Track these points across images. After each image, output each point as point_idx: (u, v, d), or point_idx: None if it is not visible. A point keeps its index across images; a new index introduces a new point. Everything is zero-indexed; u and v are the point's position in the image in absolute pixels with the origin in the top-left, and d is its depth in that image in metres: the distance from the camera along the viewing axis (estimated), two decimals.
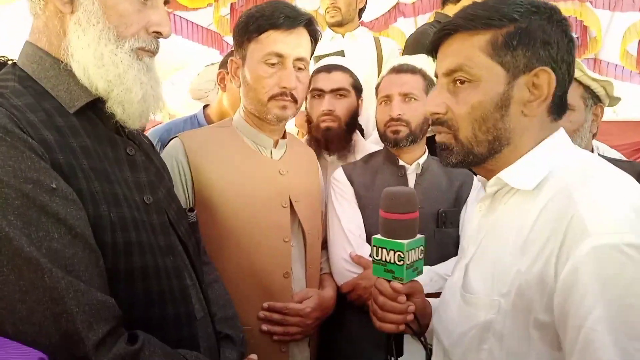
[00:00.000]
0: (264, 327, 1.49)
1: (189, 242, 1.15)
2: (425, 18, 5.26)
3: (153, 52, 1.03)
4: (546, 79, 0.93)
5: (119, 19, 0.97)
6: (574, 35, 0.98)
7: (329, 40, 2.77)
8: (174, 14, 4.80)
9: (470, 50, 0.96)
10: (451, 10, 2.67)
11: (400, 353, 1.17)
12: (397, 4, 5.11)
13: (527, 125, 0.97)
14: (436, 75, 1.06)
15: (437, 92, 1.03)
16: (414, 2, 5.13)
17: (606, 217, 0.81)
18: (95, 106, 0.99)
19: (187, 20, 4.99)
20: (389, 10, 5.19)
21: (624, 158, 2.50)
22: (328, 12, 2.69)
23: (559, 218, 0.85)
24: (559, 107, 0.99)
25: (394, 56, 2.73)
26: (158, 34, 1.02)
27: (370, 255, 1.65)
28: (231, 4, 4.95)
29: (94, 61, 0.94)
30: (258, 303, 1.49)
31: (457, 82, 0.98)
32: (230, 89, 2.21)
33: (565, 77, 0.96)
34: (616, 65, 5.22)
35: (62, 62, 0.96)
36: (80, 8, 0.94)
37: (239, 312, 1.37)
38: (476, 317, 0.96)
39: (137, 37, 0.99)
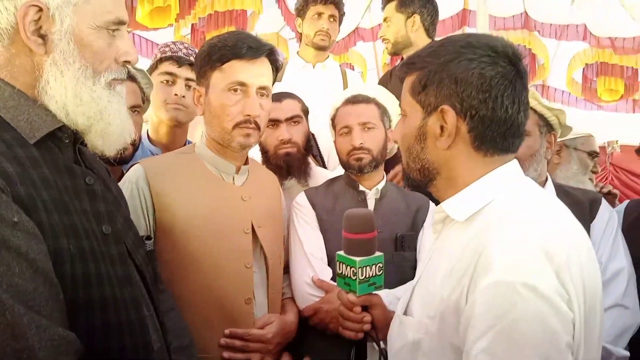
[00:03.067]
0: (225, 354, 1.48)
1: (146, 271, 1.15)
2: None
3: (123, 80, 1.06)
4: (449, 116, 1.00)
5: (94, 56, 0.99)
6: (499, 72, 0.98)
7: (300, 69, 2.83)
8: (134, 34, 4.76)
9: (404, 89, 1.09)
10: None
11: (362, 357, 1.31)
12: (357, 28, 5.25)
13: (448, 158, 1.04)
14: None
15: (398, 123, 1.16)
16: (372, 27, 5.28)
17: (510, 257, 0.86)
18: (54, 135, 0.99)
19: (147, 39, 4.96)
20: (348, 34, 5.32)
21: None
22: (318, 35, 2.74)
23: (476, 252, 0.91)
24: (485, 142, 1.01)
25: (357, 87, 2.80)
26: (127, 62, 1.05)
27: (332, 278, 1.70)
28: (192, 24, 4.95)
29: (74, 100, 0.96)
30: (219, 330, 1.49)
31: (401, 116, 1.12)
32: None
33: (484, 113, 0.98)
34: (563, 91, 5.50)
35: (24, 94, 0.95)
36: (56, 49, 0.95)
37: (200, 339, 1.37)
38: (407, 336, 1.04)
39: (109, 70, 1.01)
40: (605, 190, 2.94)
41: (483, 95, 0.98)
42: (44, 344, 0.79)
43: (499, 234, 0.91)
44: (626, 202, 1.97)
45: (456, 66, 0.99)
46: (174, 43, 2.30)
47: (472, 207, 1.00)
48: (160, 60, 2.23)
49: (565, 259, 0.87)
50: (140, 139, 2.14)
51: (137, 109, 2.01)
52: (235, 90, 1.51)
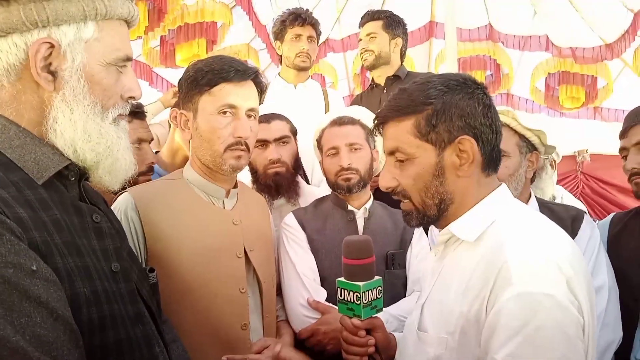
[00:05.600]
0: None
1: (152, 304, 1.13)
2: (354, 54, 5.48)
3: (126, 115, 1.06)
4: (468, 144, 1.09)
5: (103, 93, 0.98)
6: (487, 100, 1.13)
7: (282, 89, 2.85)
8: None
9: (401, 134, 1.12)
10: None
11: None
12: (327, 39, 5.29)
13: (465, 185, 1.12)
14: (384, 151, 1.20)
15: (387, 170, 1.18)
16: (342, 39, 5.34)
17: (530, 270, 0.95)
18: (60, 174, 0.97)
19: None
20: (319, 45, 5.34)
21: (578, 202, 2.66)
22: (299, 57, 2.78)
23: (493, 267, 0.98)
24: (491, 162, 1.13)
25: (339, 107, 2.85)
26: (131, 98, 1.05)
27: (328, 299, 1.71)
28: (161, 36, 4.88)
29: (83, 136, 0.95)
30: (217, 358, 1.46)
31: (398, 161, 1.14)
32: None
33: (489, 136, 1.11)
34: (527, 99, 5.68)
35: (29, 132, 0.93)
36: (66, 86, 0.93)
37: None
38: (427, 352, 1.09)
39: (116, 106, 1.01)
40: None
41: (488, 121, 1.10)
42: None
43: (514, 250, 0.99)
44: (612, 214, 2.04)
45: (461, 100, 1.09)
46: None
47: (479, 227, 1.09)
48: None
49: (571, 269, 0.97)
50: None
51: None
52: (225, 112, 1.51)
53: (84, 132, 0.96)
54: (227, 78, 1.49)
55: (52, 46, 0.92)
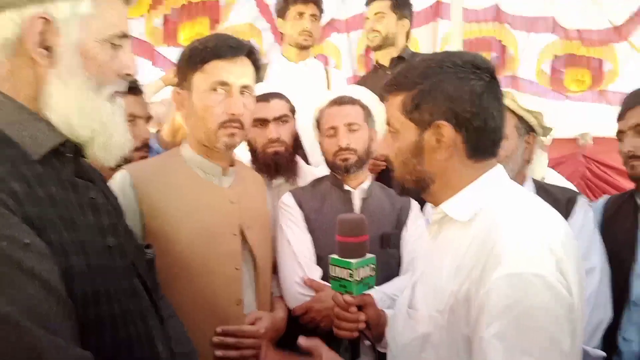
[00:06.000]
0: (219, 352, 1.50)
1: (148, 280, 1.15)
2: (358, 34, 5.42)
3: (123, 93, 1.06)
4: (446, 130, 1.08)
5: (98, 69, 0.98)
6: (481, 87, 1.07)
7: (284, 67, 2.84)
8: None
9: (392, 108, 1.15)
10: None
11: (356, 356, 1.37)
12: (331, 20, 5.23)
13: (446, 167, 1.12)
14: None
15: (386, 138, 1.21)
16: (346, 19, 5.27)
17: (519, 251, 0.95)
18: (57, 150, 0.98)
19: None
20: (323, 26, 5.29)
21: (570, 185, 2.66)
22: (301, 35, 2.76)
23: (484, 248, 0.99)
24: (478, 150, 1.11)
25: (340, 86, 2.84)
26: (128, 75, 1.05)
27: (322, 277, 1.74)
28: (164, 15, 4.85)
29: (78, 112, 0.96)
30: (210, 332, 1.50)
31: (391, 132, 1.17)
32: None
33: (476, 124, 1.08)
34: (532, 82, 5.61)
35: (27, 108, 0.94)
36: (61, 62, 0.94)
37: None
38: (417, 330, 1.10)
39: (112, 83, 1.01)
40: None
41: (476, 108, 1.07)
42: None
43: (505, 231, 0.99)
44: (606, 197, 2.05)
45: (448, 84, 1.07)
46: None
47: (472, 207, 1.09)
48: None
49: (562, 249, 0.97)
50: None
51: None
52: (218, 90, 1.51)
53: (78, 108, 0.96)
54: (219, 55, 1.50)
55: (48, 21, 0.92)
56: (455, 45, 3.21)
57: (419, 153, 1.12)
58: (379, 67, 2.96)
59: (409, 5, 2.94)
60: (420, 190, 1.17)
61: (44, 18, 0.92)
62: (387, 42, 2.87)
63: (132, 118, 1.99)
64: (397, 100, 1.14)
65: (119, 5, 1.03)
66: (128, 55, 1.05)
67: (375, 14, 2.86)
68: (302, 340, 1.14)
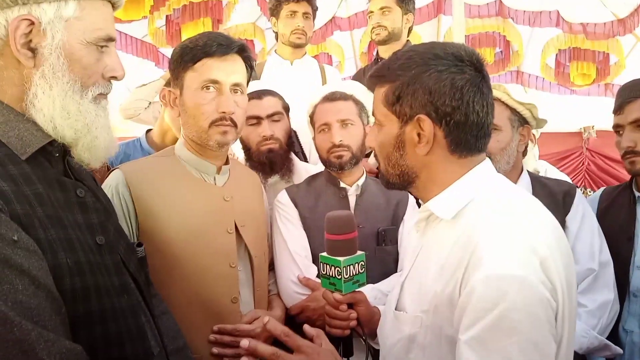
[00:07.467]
0: (215, 350, 1.50)
1: (139, 277, 1.17)
2: (361, 32, 5.43)
3: (107, 95, 1.07)
4: (426, 124, 1.05)
5: (83, 71, 1.00)
6: (461, 81, 1.04)
7: (278, 66, 2.84)
8: None
9: (376, 100, 1.14)
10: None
11: (349, 354, 1.36)
12: (334, 17, 5.24)
13: (428, 162, 1.09)
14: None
15: (372, 130, 1.19)
16: (349, 16, 5.28)
17: (500, 252, 0.93)
18: (44, 149, 1.00)
19: (120, 32, 4.87)
20: (325, 24, 5.30)
21: (564, 175, 2.66)
22: (294, 34, 2.76)
23: (467, 248, 0.98)
24: (460, 145, 1.07)
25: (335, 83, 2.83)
26: (113, 78, 1.07)
27: (317, 276, 1.73)
28: (166, 15, 4.88)
29: (61, 113, 0.98)
30: (207, 330, 1.51)
31: (376, 124, 1.16)
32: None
33: (458, 118, 1.04)
34: (537, 76, 5.59)
35: (13, 109, 0.96)
36: (46, 63, 0.96)
37: (188, 340, 1.38)
38: (403, 330, 1.09)
39: (97, 85, 1.03)
40: None
41: (456, 102, 1.04)
42: (54, 357, 0.81)
43: (487, 231, 0.98)
44: (602, 189, 2.04)
45: (428, 78, 1.04)
46: None
47: (456, 205, 1.07)
48: None
49: (548, 250, 0.95)
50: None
51: None
52: (209, 88, 1.51)
53: (62, 109, 0.98)
54: (209, 53, 1.50)
55: (32, 23, 0.94)
56: (457, 41, 3.20)
57: (401, 147, 1.10)
58: (379, 60, 2.94)
59: (413, 0, 2.91)
60: (405, 184, 1.15)
61: (29, 20, 0.94)
62: (392, 37, 2.84)
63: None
64: (381, 92, 1.12)
65: (105, 8, 1.05)
66: (114, 58, 1.06)
67: (381, 8, 2.83)
68: (307, 328, 1.13)
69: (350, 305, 1.33)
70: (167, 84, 2.06)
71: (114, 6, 1.09)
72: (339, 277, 1.28)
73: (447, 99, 1.03)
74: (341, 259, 1.27)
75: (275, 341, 1.70)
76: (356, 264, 1.30)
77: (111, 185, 1.48)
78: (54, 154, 1.03)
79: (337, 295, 1.30)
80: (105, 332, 0.97)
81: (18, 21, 0.93)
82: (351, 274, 1.29)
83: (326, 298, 1.34)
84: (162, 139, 2.32)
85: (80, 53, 0.99)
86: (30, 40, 0.95)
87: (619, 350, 1.69)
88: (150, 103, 2.83)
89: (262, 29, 5.34)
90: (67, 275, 0.91)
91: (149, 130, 2.45)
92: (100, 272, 1.00)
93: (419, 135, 1.07)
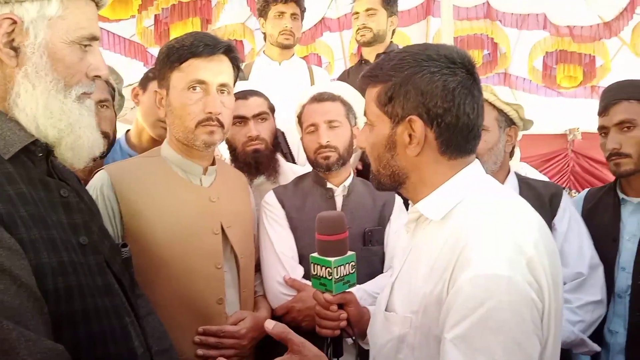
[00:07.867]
0: (200, 351, 1.50)
1: (123, 278, 1.16)
2: (350, 33, 5.43)
3: (91, 94, 1.07)
4: (417, 125, 1.06)
5: (66, 70, 1.00)
6: (453, 82, 1.04)
7: (267, 66, 2.84)
8: None
9: (369, 100, 1.14)
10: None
11: (339, 354, 1.37)
12: (323, 18, 5.24)
13: (418, 163, 1.09)
14: None
15: (363, 130, 1.19)
16: (338, 17, 5.29)
17: (487, 252, 0.94)
18: (27, 149, 0.99)
19: (108, 31, 4.83)
20: (315, 25, 5.31)
21: (545, 178, 2.69)
22: (282, 35, 2.75)
23: (455, 249, 0.98)
24: (451, 147, 1.07)
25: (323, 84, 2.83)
26: (97, 77, 1.06)
27: (304, 276, 1.73)
28: (155, 15, 4.85)
29: (45, 112, 0.97)
30: (192, 331, 1.50)
31: (367, 124, 1.16)
32: (142, 102, 2.21)
33: (449, 120, 1.04)
34: (524, 79, 5.64)
35: None
36: (29, 62, 0.95)
37: (173, 341, 1.37)
38: (393, 331, 1.09)
39: (80, 84, 1.03)
40: None
41: (448, 104, 1.04)
42: (35, 357, 0.80)
43: (475, 231, 0.98)
44: (586, 190, 2.06)
45: (420, 79, 1.04)
46: None
47: (445, 207, 1.07)
48: None
49: (534, 250, 0.96)
50: (114, 133, 2.13)
51: (106, 103, 2.00)
52: (195, 88, 1.51)
53: (45, 109, 0.97)
54: (195, 53, 1.50)
55: (15, 22, 0.94)
56: (446, 43, 3.21)
57: (392, 147, 1.10)
58: (363, 61, 2.95)
59: (396, 2, 2.94)
60: (396, 185, 1.15)
61: (11, 19, 0.93)
62: (377, 39, 2.86)
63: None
64: (373, 92, 1.12)
65: (88, 7, 1.05)
66: (97, 57, 1.06)
67: (367, 9, 2.83)
68: (269, 324, 1.07)
69: (341, 306, 1.34)
70: (142, 83, 2.04)
71: (97, 5, 1.08)
72: (330, 277, 1.29)
73: (438, 100, 1.04)
74: (332, 259, 1.28)
75: (275, 341, 1.71)
76: (347, 265, 1.31)
77: (95, 186, 1.47)
78: (37, 154, 1.02)
79: (327, 296, 1.31)
80: (89, 332, 0.97)
81: (0, 20, 0.92)
82: (342, 275, 1.30)
83: (316, 298, 1.34)
84: (139, 139, 2.30)
85: (63, 52, 0.99)
86: (13, 39, 0.94)
87: (596, 347, 1.71)
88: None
89: (252, 29, 5.32)
90: (50, 275, 0.91)
91: (128, 131, 2.43)
92: (83, 272, 0.99)
93: (410, 136, 1.07)
